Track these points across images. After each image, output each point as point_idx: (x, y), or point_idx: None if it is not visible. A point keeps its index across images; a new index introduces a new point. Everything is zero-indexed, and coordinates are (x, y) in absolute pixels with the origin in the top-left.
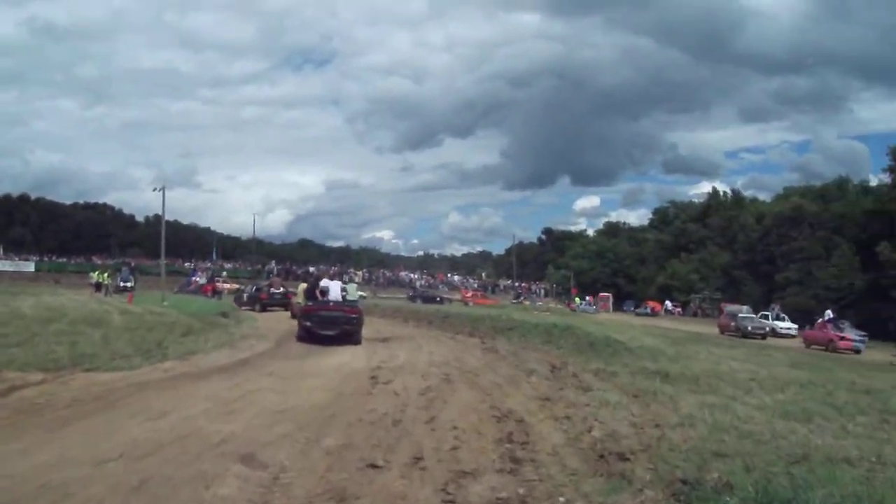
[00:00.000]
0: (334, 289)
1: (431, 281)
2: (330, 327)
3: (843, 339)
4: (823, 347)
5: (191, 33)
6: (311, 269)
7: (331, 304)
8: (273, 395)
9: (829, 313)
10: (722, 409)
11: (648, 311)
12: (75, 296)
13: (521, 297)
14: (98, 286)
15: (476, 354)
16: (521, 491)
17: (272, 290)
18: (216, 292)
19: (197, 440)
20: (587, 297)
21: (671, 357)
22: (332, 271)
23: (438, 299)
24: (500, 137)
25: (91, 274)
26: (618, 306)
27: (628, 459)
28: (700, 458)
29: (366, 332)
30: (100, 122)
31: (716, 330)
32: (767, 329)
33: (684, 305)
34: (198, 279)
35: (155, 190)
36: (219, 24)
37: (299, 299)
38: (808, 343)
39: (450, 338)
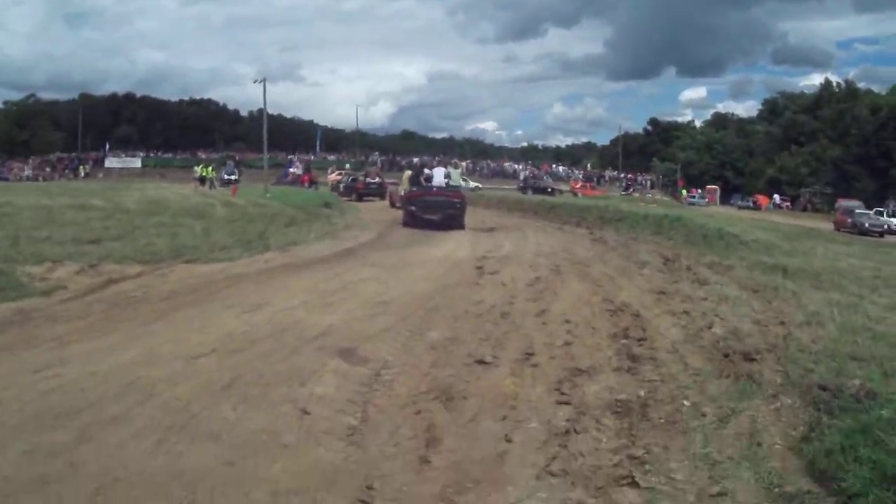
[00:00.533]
0: (438, 175)
1: (536, 172)
2: (434, 212)
3: None
4: None
5: None
6: (415, 159)
7: (435, 189)
8: (375, 286)
9: None
10: (850, 308)
11: (751, 204)
12: (180, 189)
13: (631, 189)
14: (202, 180)
15: (584, 245)
16: (641, 393)
17: (368, 179)
18: (313, 183)
19: (294, 333)
20: (697, 190)
21: (787, 252)
22: (435, 160)
23: (549, 190)
24: (604, 27)
25: (195, 168)
26: (725, 199)
27: (755, 360)
28: (834, 362)
29: (471, 221)
30: (202, 18)
31: (828, 225)
32: (885, 226)
33: (794, 200)
34: (294, 170)
35: (255, 82)
36: None
37: (404, 186)
38: None
39: (556, 228)
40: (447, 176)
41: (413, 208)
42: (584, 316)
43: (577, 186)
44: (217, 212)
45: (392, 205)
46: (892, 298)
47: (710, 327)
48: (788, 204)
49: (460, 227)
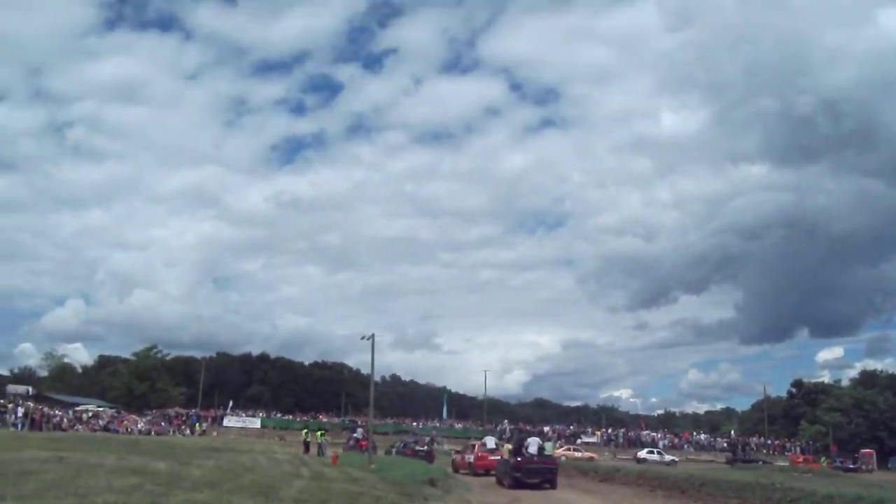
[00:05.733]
0: (533, 445)
1: (676, 441)
2: (535, 476)
3: None
4: None
5: (428, 202)
6: (546, 428)
7: (535, 458)
8: None
9: None
10: None
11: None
12: (282, 455)
13: (860, 463)
14: (307, 445)
15: None
16: None
17: (417, 447)
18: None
19: None
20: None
21: None
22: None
23: (761, 462)
24: (733, 291)
25: (303, 432)
26: (882, 463)
27: None
28: None
29: None
30: (343, 287)
31: None
32: None
33: None
34: (357, 435)
35: (363, 339)
36: (454, 193)
37: (506, 455)
38: None
39: None
40: (541, 447)
41: (518, 474)
42: None
43: (800, 461)
44: (293, 487)
45: (455, 470)
46: None
47: None
48: None
49: (554, 486)
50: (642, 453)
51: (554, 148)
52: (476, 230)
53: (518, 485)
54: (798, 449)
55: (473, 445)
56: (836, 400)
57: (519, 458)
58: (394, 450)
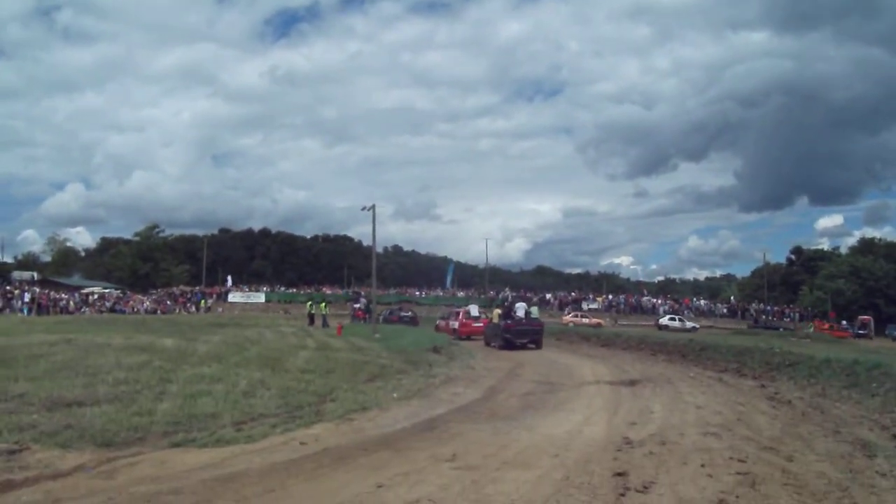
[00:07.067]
0: (520, 309)
1: (677, 307)
2: (523, 337)
3: None
4: None
5: (425, 72)
6: (549, 295)
7: (523, 321)
8: None
9: None
10: None
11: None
12: (287, 328)
13: (868, 331)
14: (311, 317)
15: (763, 408)
16: None
17: (402, 313)
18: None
19: None
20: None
21: None
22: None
23: (781, 329)
24: (733, 159)
25: (307, 304)
26: (878, 330)
27: None
28: None
29: (608, 371)
30: (341, 160)
31: None
32: None
33: None
34: (358, 305)
35: (364, 209)
36: (451, 62)
37: (495, 320)
38: None
39: (715, 379)
40: (527, 311)
41: (508, 335)
42: None
43: (825, 327)
44: (298, 357)
45: (436, 330)
46: None
47: None
48: None
49: (539, 346)
50: (664, 320)
51: (551, 15)
52: (473, 99)
53: (508, 345)
54: (797, 315)
55: (457, 312)
56: (835, 267)
57: (509, 322)
58: (380, 317)
